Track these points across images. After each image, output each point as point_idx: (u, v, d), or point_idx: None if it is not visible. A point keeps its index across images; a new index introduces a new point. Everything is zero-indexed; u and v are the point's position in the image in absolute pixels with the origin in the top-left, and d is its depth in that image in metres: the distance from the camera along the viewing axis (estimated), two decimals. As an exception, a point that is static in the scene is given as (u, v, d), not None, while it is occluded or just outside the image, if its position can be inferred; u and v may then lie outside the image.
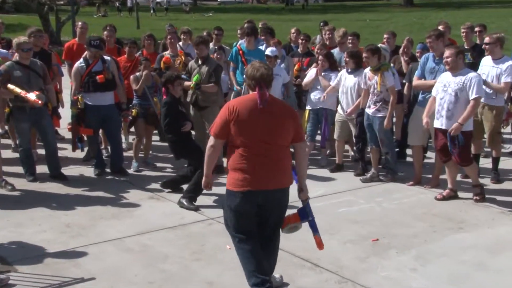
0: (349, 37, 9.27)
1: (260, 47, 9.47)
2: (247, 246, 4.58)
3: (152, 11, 43.19)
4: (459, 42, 9.78)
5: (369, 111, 7.75)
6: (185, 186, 7.17)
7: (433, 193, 7.35)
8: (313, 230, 4.74)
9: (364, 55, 7.74)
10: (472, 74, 6.82)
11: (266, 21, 12.04)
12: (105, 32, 9.64)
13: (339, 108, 8.32)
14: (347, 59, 8.05)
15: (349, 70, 8.16)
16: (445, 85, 6.92)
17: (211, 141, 4.53)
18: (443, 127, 6.93)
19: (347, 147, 8.95)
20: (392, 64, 8.36)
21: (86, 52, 8.07)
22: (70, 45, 9.60)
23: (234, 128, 4.39)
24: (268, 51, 8.58)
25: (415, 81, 7.69)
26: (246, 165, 4.43)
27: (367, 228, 6.24)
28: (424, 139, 7.83)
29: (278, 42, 9.41)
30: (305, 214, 4.66)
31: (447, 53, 6.86)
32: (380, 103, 7.64)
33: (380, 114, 7.66)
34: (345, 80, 8.16)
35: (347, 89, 8.13)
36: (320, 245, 4.74)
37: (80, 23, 9.86)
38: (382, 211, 6.81)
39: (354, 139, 8.30)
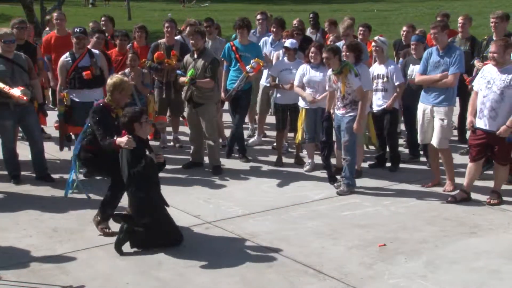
0: (360, 28, 9.27)
1: (267, 38, 9.54)
2: None
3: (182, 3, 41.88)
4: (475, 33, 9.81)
5: (339, 112, 7.55)
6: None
7: (444, 195, 7.37)
8: None
9: (324, 55, 7.51)
10: None
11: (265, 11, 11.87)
12: (91, 24, 9.71)
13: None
14: (347, 53, 7.61)
15: None
16: (489, 82, 6.83)
17: None
18: (486, 128, 6.86)
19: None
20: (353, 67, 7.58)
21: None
22: (48, 38, 9.64)
23: None
24: (287, 43, 8.61)
25: (418, 77, 7.61)
26: None
27: (374, 233, 6.29)
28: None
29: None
30: None
31: (493, 47, 6.77)
32: (350, 104, 7.45)
33: (350, 114, 7.44)
34: None
35: None
36: None
37: (55, 14, 9.85)
38: (389, 215, 6.85)
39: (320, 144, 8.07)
